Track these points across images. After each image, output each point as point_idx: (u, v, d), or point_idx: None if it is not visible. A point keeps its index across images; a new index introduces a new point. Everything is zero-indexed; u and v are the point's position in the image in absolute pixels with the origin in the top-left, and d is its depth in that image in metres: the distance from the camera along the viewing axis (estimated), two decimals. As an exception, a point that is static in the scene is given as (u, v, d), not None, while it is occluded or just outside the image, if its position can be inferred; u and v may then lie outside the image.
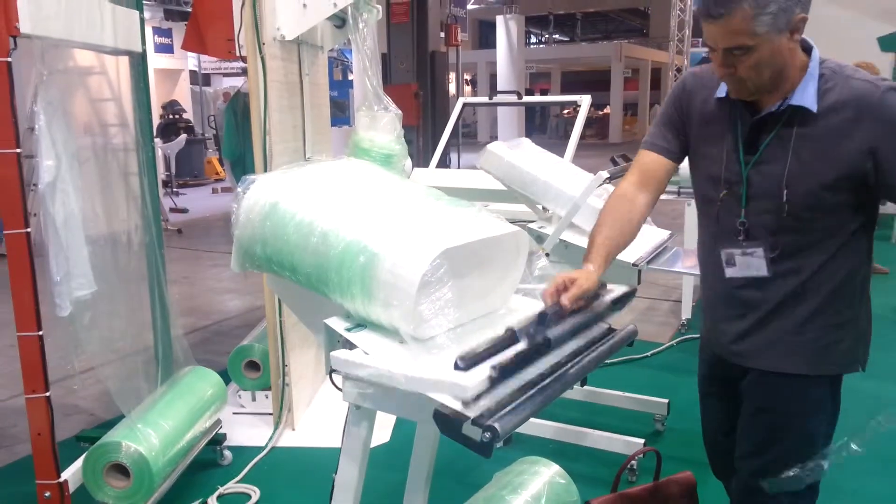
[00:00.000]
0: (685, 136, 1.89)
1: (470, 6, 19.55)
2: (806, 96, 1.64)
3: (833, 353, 1.79)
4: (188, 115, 15.03)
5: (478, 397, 1.41)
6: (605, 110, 28.43)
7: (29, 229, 2.29)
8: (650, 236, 3.11)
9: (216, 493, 2.93)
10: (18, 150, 2.25)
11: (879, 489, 2.96)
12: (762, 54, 1.58)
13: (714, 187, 1.81)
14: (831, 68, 1.66)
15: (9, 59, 2.18)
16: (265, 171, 3.05)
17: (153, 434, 2.67)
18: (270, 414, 3.52)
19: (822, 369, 1.79)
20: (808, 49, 1.69)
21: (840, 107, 1.62)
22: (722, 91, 1.77)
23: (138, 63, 3.09)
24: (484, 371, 1.43)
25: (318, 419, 3.60)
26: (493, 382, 1.43)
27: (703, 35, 1.66)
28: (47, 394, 2.39)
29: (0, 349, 4.58)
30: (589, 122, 25.47)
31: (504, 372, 1.45)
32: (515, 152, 3.13)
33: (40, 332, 2.35)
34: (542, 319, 1.57)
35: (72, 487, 2.56)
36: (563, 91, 30.09)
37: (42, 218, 2.41)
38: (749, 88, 1.67)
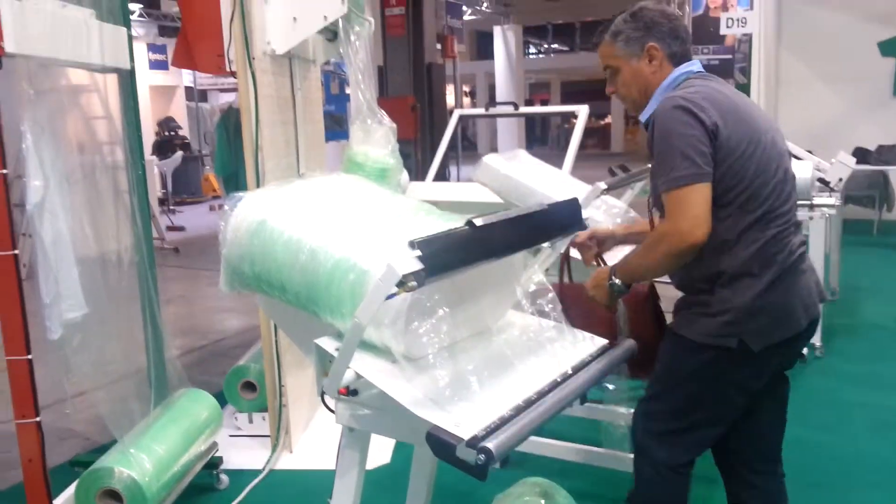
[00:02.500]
0: None
1: (466, 17, 19.53)
2: (647, 111, 2.00)
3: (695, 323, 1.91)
4: (184, 132, 14.97)
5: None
6: (607, 120, 28.36)
7: (17, 251, 2.25)
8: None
9: (212, 518, 2.87)
10: (5, 171, 2.21)
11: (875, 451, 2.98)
12: (625, 75, 2.03)
13: None
14: (679, 84, 1.94)
15: (-7, 79, 2.16)
16: (257, 187, 3.00)
17: (146, 459, 2.61)
18: (268, 436, 3.45)
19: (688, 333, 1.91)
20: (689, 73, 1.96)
21: (654, 117, 1.91)
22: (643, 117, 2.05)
23: (127, 80, 3.05)
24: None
25: (316, 441, 3.53)
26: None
27: None
28: (38, 419, 2.34)
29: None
30: (590, 133, 25.42)
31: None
32: (512, 164, 3.09)
33: (30, 356, 2.30)
34: None
35: (64, 514, 2.51)
36: (564, 101, 29.98)
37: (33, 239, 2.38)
38: (630, 105, 2.07)
